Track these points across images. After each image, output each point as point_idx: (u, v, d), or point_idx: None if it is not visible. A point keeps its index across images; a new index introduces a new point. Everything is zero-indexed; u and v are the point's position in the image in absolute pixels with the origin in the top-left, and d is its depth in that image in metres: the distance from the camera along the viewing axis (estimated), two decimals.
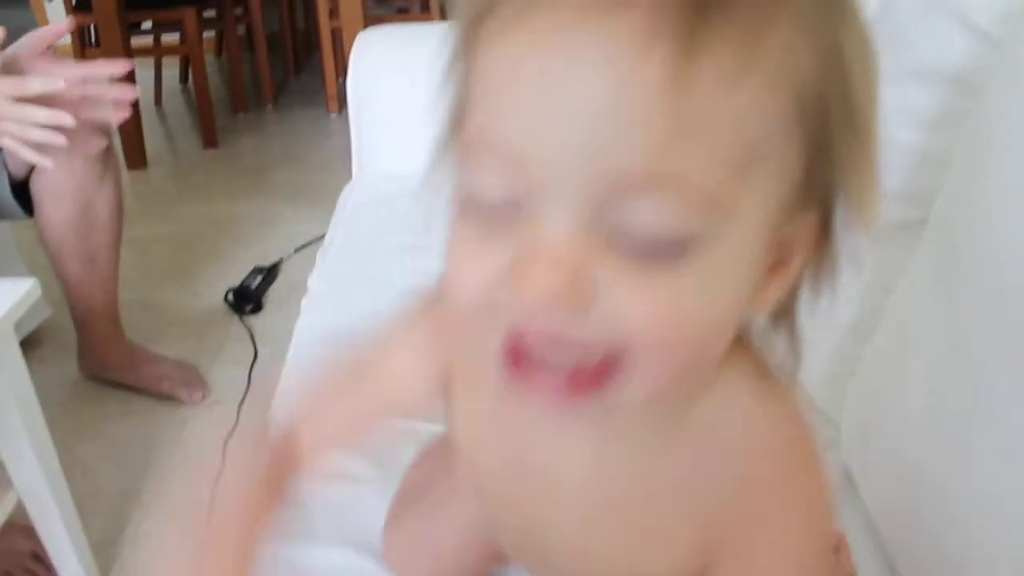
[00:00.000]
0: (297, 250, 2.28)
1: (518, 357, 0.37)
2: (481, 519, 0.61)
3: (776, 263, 0.40)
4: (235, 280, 2.14)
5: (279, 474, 0.54)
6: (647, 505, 0.46)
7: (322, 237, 1.44)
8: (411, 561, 0.70)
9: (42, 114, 1.26)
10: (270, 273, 2.19)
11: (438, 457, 0.70)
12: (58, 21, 1.34)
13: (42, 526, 1.21)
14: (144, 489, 1.53)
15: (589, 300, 0.35)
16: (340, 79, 3.30)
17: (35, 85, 1.25)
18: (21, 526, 1.27)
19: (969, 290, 0.69)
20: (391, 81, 1.56)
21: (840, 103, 0.36)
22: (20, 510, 1.18)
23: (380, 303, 1.17)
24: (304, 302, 1.21)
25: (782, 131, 0.35)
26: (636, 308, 0.35)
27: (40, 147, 1.30)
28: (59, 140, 1.27)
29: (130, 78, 1.37)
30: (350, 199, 1.51)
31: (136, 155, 2.98)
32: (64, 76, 1.27)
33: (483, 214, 0.36)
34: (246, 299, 2.07)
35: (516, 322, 0.36)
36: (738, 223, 0.35)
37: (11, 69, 1.28)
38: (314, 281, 1.26)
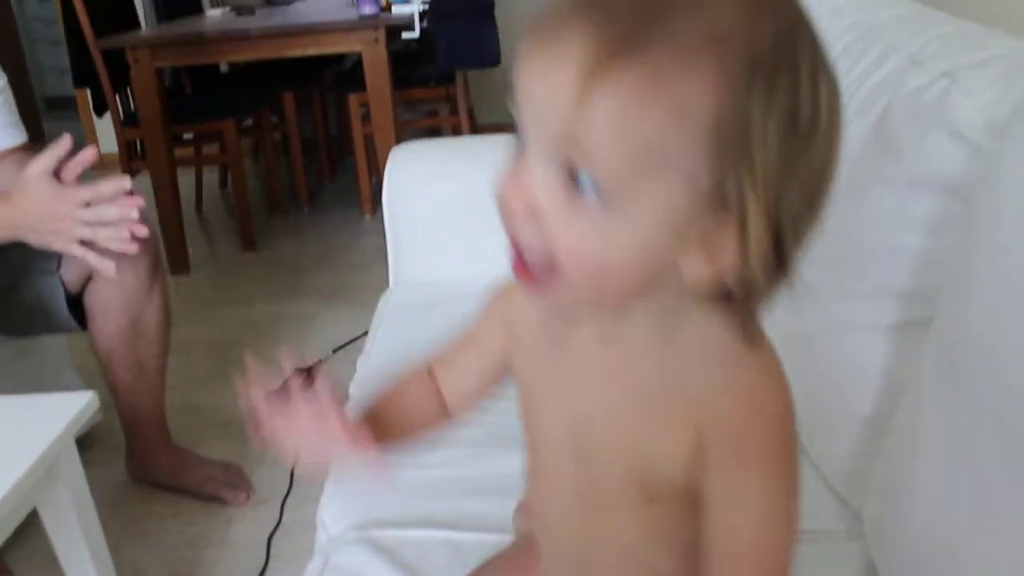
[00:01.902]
0: (335, 350, 2.35)
1: (515, 254, 0.55)
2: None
3: (702, 246, 0.52)
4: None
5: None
6: (649, 397, 0.60)
7: (359, 337, 1.50)
8: None
9: (111, 211, 1.36)
10: (310, 374, 2.25)
11: None
12: (84, 150, 1.42)
13: None
14: None
15: (536, 218, 0.52)
16: (373, 181, 3.43)
17: (107, 188, 1.36)
18: None
19: (970, 390, 0.73)
20: (424, 193, 1.65)
21: (744, 148, 0.48)
22: None
23: None
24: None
25: (687, 149, 0.48)
26: (562, 233, 0.52)
27: (103, 251, 1.40)
28: (125, 235, 1.37)
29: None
30: (387, 308, 1.58)
31: (179, 260, 3.10)
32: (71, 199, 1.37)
33: (515, 151, 0.55)
34: None
35: (506, 226, 0.55)
36: (641, 200, 0.50)
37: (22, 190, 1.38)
38: (355, 388, 1.32)
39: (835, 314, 1.03)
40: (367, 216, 3.53)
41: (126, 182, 1.39)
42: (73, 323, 1.64)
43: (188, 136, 3.53)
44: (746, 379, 0.57)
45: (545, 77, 0.50)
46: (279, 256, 3.26)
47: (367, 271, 2.86)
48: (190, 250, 3.16)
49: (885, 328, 0.95)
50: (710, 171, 0.48)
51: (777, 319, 1.15)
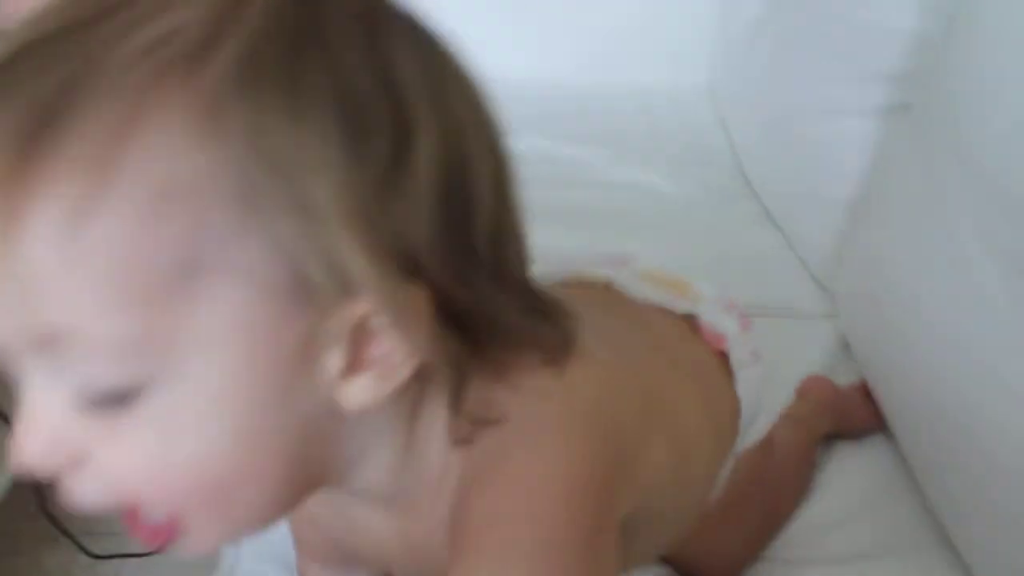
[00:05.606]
0: None
1: (129, 517, 0.36)
2: None
3: (353, 361, 0.34)
4: None
5: None
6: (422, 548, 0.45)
7: None
8: None
9: None
10: None
11: None
12: None
13: None
14: None
15: (78, 460, 0.33)
16: None
17: None
18: None
19: (944, 166, 0.75)
20: None
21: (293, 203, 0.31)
22: None
23: None
24: None
25: (219, 239, 0.31)
26: (118, 463, 0.33)
27: None
28: None
29: None
30: None
31: None
32: None
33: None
34: None
35: (60, 489, 0.34)
36: (192, 351, 0.32)
37: None
38: None
39: (818, 97, 1.01)
40: None
41: None
42: None
43: None
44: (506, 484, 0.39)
45: None
46: None
47: None
48: None
49: (871, 112, 0.95)
50: (264, 251, 0.31)
51: (753, 101, 1.14)
